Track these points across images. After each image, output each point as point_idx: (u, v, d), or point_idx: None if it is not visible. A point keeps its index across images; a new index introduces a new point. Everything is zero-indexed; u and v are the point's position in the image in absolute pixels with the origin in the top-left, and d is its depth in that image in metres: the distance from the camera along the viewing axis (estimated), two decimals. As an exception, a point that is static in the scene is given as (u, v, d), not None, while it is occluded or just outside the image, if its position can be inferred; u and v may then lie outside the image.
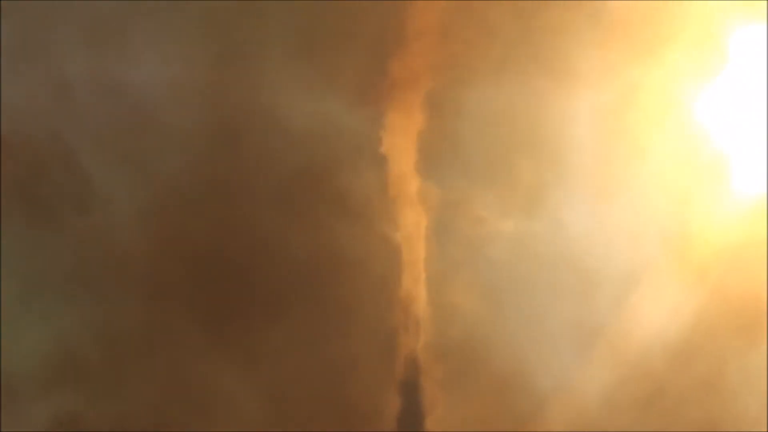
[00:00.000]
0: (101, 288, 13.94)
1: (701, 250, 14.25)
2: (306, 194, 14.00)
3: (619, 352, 14.27)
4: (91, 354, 13.89)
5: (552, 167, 14.16)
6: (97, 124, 13.98)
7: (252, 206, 14.00)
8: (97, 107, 13.99)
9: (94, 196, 13.96)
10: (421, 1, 13.75)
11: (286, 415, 13.99)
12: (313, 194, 14.01)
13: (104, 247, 13.95)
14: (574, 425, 14.20)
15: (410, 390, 14.24)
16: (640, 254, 14.27)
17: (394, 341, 14.19)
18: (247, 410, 13.99)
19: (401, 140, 14.03)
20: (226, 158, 13.98)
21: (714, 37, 14.23)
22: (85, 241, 13.91)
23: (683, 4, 14.10)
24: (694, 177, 14.31)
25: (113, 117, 14.03)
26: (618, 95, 14.18)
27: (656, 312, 14.23)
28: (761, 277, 14.13)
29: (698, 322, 14.24)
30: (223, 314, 14.01)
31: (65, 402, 13.77)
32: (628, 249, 14.25)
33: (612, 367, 14.25)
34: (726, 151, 14.34)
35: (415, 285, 14.15)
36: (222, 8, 13.92)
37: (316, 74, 13.90)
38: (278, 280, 14.03)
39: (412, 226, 14.16)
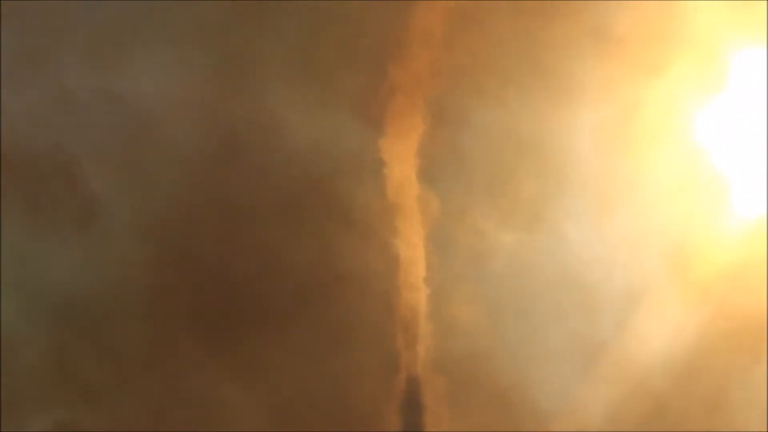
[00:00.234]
0: (102, 301, 13.87)
1: (703, 268, 14.26)
2: (307, 206, 14.01)
3: (622, 369, 14.22)
4: (92, 366, 13.82)
5: (553, 182, 14.20)
6: (99, 138, 14.03)
7: (253, 219, 14.00)
8: (98, 121, 14.03)
9: (96, 210, 13.94)
10: (423, 11, 13.84)
11: (287, 428, 13.89)
12: (315, 206, 14.02)
13: (106, 261, 13.90)
14: (578, 442, 14.18)
15: (412, 404, 14.15)
16: (641, 271, 14.27)
17: (395, 355, 14.13)
18: (249, 423, 13.93)
19: (401, 150, 14.06)
20: (227, 171, 13.99)
21: (715, 58, 14.34)
22: (86, 254, 13.87)
23: (686, 25, 14.22)
24: (695, 195, 14.35)
25: (115, 131, 14.07)
26: (620, 112, 14.27)
27: (659, 330, 14.20)
28: (762, 296, 14.12)
29: (700, 340, 14.21)
30: (225, 327, 13.98)
31: (65, 414, 13.68)
32: (629, 265, 14.27)
33: (615, 384, 14.19)
34: (727, 170, 14.40)
35: (416, 298, 14.12)
36: (223, 22, 13.97)
37: (317, 85, 13.95)
38: (279, 293, 14.00)
39: (412, 239, 14.14)
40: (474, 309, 14.19)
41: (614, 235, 14.27)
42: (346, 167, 14.03)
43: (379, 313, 14.06)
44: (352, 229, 14.05)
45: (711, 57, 14.33)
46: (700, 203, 14.36)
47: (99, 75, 13.99)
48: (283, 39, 13.97)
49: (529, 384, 14.13)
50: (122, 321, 13.91)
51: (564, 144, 14.13)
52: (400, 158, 14.06)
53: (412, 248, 14.12)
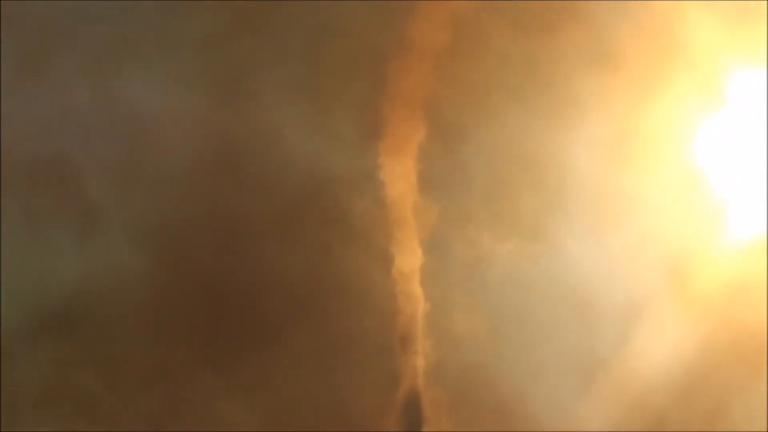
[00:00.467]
0: (101, 314, 13.85)
1: (703, 283, 14.28)
2: (306, 217, 14.01)
3: (622, 383, 14.20)
4: (91, 381, 13.77)
5: (553, 195, 14.24)
6: (99, 148, 14.01)
7: (253, 231, 13.99)
8: (98, 131, 14.03)
9: (96, 220, 13.94)
10: (424, 23, 13.94)
11: (287, 441, 13.87)
12: (313, 217, 14.02)
13: (104, 272, 13.88)
14: (578, 457, 14.12)
15: (412, 417, 14.11)
16: (641, 285, 14.28)
17: (395, 367, 14.10)
18: (249, 436, 13.89)
19: (401, 162, 14.10)
20: (226, 182, 13.99)
21: (714, 76, 14.45)
22: (85, 265, 13.85)
23: (685, 45, 14.34)
24: (695, 210, 14.40)
25: (115, 141, 14.05)
26: (619, 129, 14.34)
27: (659, 344, 14.20)
28: (763, 310, 14.13)
29: (701, 354, 14.20)
30: (224, 340, 13.94)
31: (64, 428, 13.63)
32: (629, 280, 14.27)
33: (614, 398, 14.16)
34: (726, 187, 14.46)
35: (415, 310, 14.11)
36: (222, 34, 14.02)
37: (316, 97, 13.98)
38: (278, 306, 13.98)
39: (411, 250, 14.15)
40: (473, 321, 14.18)
41: (614, 249, 14.29)
42: (344, 178, 14.03)
43: (378, 325, 14.03)
44: (351, 241, 14.05)
45: (710, 75, 14.42)
46: (699, 218, 14.39)
47: (99, 85, 13.99)
48: (283, 51, 14.00)
49: (529, 397, 14.09)
50: (121, 333, 13.86)
51: (564, 158, 14.17)
52: (399, 170, 14.09)
53: (411, 260, 14.12)
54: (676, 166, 14.43)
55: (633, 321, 14.28)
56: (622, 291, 14.27)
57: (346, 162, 14.03)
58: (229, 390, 13.89)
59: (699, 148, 14.45)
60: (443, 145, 14.11)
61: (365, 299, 13.99)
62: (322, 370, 13.94)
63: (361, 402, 14.00)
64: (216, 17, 13.97)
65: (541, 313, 14.24)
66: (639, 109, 14.34)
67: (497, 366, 14.10)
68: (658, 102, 14.36)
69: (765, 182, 14.38)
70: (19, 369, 13.67)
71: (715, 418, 14.17)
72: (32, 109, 13.89)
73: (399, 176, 14.08)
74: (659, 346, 14.21)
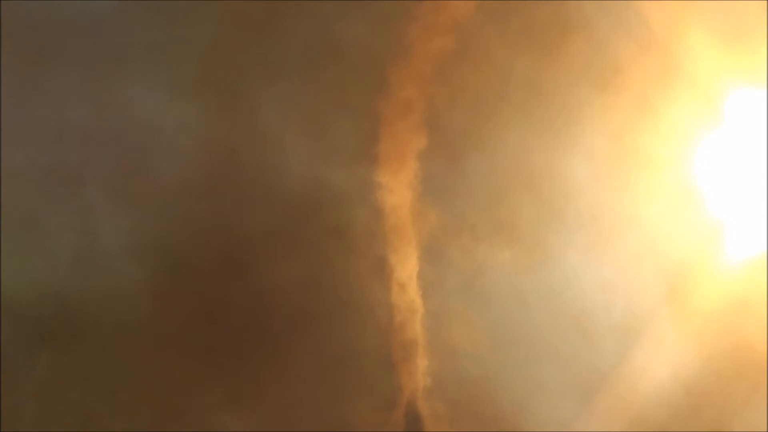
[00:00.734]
0: (100, 326, 13.84)
1: (703, 300, 14.30)
2: (304, 229, 14.01)
3: (622, 399, 14.17)
4: (90, 393, 13.74)
5: (554, 210, 14.28)
6: (97, 158, 14.05)
7: (252, 242, 13.99)
8: (97, 142, 14.03)
9: (95, 234, 13.97)
10: (428, 30, 14.04)
11: (285, 455, 13.81)
12: (312, 229, 14.02)
13: (103, 284, 13.89)
14: (577, 475, 14.06)
15: (412, 429, 14.08)
16: (641, 300, 14.30)
17: (394, 381, 14.07)
18: (246, 451, 13.82)
19: (400, 172, 14.14)
20: (225, 194, 13.98)
21: (713, 96, 14.57)
22: (83, 276, 13.86)
23: (685, 65, 14.46)
24: (695, 227, 14.45)
25: (113, 152, 14.08)
26: (619, 146, 14.42)
27: (659, 360, 14.19)
28: (763, 327, 14.13)
29: (701, 371, 14.18)
30: (223, 355, 13.90)
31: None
32: (629, 295, 14.29)
33: (614, 414, 14.13)
34: (726, 205, 14.53)
35: (414, 323, 14.11)
36: (222, 46, 14.07)
37: (315, 106, 14.04)
38: (278, 319, 13.96)
39: (410, 262, 14.16)
40: (472, 335, 14.17)
41: (614, 265, 14.31)
42: (344, 188, 14.04)
43: (377, 336, 14.02)
44: (350, 252, 14.07)
45: (709, 94, 14.53)
46: (699, 234, 14.44)
47: (99, 96, 13.97)
48: (283, 61, 14.07)
49: (529, 411, 14.05)
50: (120, 346, 13.83)
51: (564, 171, 14.23)
52: (399, 180, 14.14)
53: (410, 271, 14.13)
54: (675, 183, 14.49)
55: (633, 335, 14.27)
56: (621, 305, 14.28)
57: (345, 172, 14.04)
58: (228, 403, 13.84)
59: (698, 165, 14.53)
60: (443, 155, 14.16)
61: (364, 310, 13.98)
62: (321, 382, 13.90)
63: (360, 414, 13.95)
64: (216, 31, 14.05)
65: (541, 325, 14.24)
66: (639, 127, 14.43)
67: (497, 379, 14.08)
68: (658, 119, 14.45)
69: (765, 200, 14.44)
70: (16, 382, 13.62)
71: (716, 435, 14.16)
72: (32, 119, 13.91)
73: (398, 186, 14.12)
74: (659, 362, 14.20)
